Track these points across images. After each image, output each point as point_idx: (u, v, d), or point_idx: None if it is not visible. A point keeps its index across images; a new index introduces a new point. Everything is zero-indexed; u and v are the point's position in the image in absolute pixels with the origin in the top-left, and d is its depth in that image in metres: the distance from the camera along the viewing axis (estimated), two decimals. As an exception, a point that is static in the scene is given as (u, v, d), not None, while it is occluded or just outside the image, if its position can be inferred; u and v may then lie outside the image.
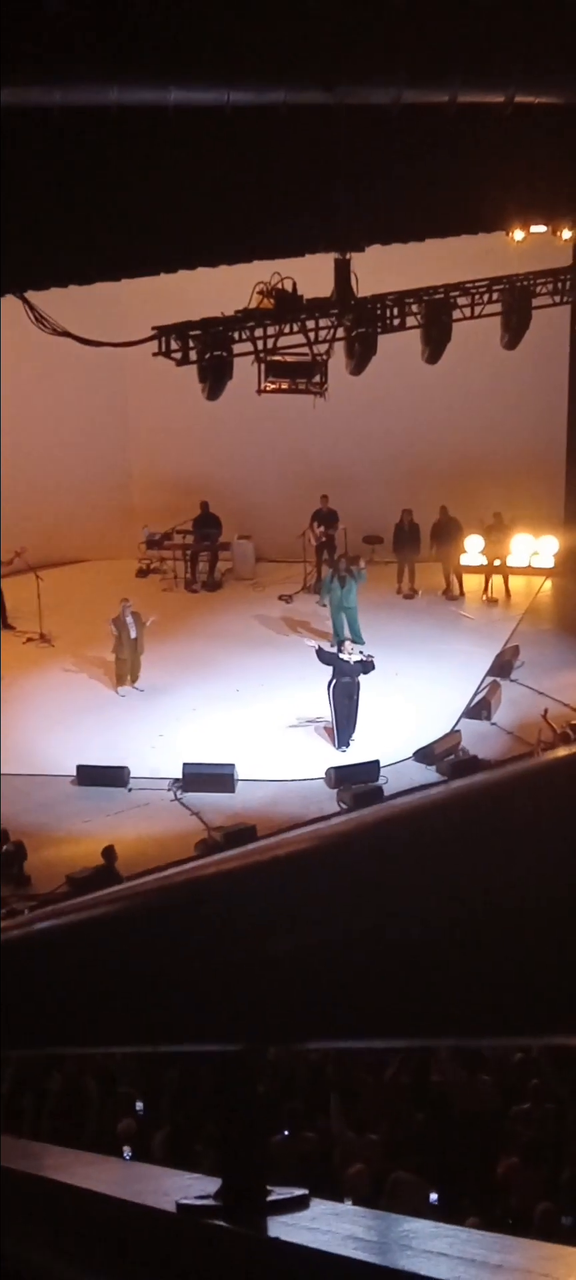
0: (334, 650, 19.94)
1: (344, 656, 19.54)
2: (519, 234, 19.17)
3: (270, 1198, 1.98)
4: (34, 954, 2.12)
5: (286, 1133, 9.25)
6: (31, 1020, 2.18)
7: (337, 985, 1.58)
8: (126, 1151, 9.76)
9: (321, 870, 1.62)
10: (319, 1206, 1.96)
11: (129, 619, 21.49)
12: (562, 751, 1.46)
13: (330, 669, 19.37)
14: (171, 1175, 2.40)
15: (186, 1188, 2.12)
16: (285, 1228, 1.89)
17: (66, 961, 2.03)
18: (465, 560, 26.04)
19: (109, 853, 15.82)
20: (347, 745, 19.24)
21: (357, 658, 19.54)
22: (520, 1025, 1.48)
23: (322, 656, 19.50)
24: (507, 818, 1.42)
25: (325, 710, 19.53)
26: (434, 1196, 8.25)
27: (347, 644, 20.19)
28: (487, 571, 25.90)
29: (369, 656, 19.66)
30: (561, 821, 1.35)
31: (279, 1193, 1.99)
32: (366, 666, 19.47)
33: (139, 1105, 10.35)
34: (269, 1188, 2.00)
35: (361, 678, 19.44)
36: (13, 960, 2.12)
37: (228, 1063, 2.04)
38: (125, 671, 21.48)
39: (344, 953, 1.56)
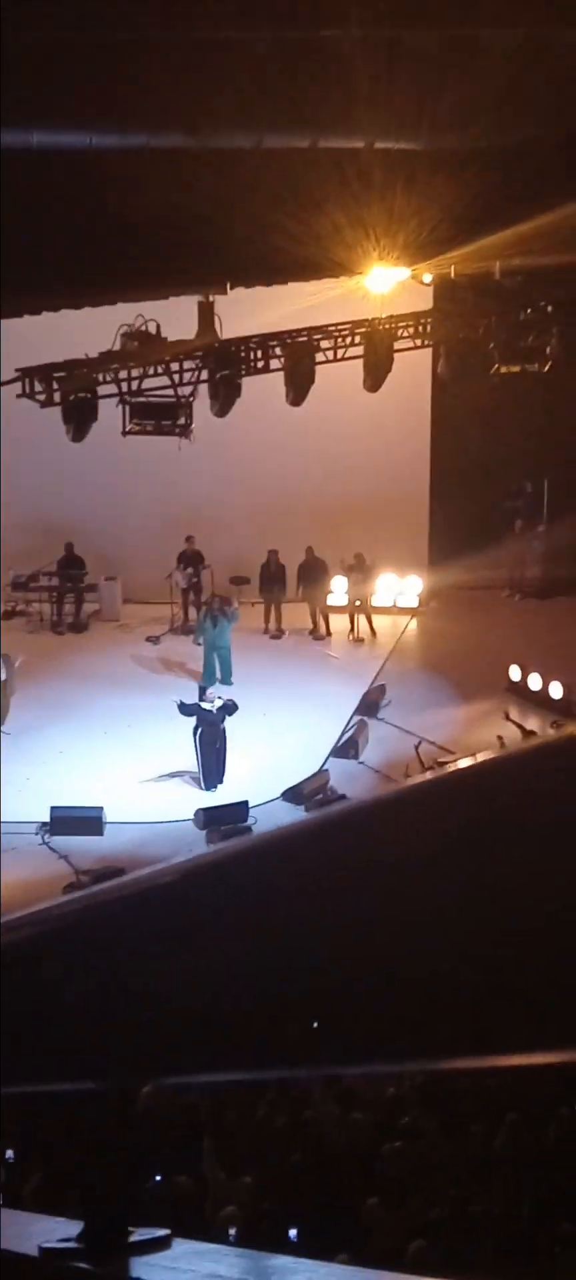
0: (195, 701, 19.93)
1: (206, 706, 19.57)
2: (381, 279, 19.44)
3: (132, 1238, 1.98)
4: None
5: (158, 1178, 9.17)
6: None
7: (212, 1019, 1.59)
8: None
9: (197, 901, 1.62)
10: (181, 1246, 1.96)
11: (-1, 660, 21.28)
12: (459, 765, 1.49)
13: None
14: (36, 1220, 2.38)
15: (49, 1231, 2.11)
16: (147, 1268, 1.89)
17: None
18: (331, 600, 26.27)
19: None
20: (215, 788, 19.24)
21: (219, 704, 19.56)
22: (394, 1053, 1.50)
23: (184, 709, 19.48)
24: (376, 843, 1.44)
25: (192, 752, 19.49)
26: (293, 1233, 8.24)
27: (210, 691, 20.21)
28: (352, 611, 26.15)
29: (229, 700, 19.68)
30: (452, 836, 1.38)
31: (141, 1233, 1.99)
32: (228, 709, 19.49)
33: (9, 1153, 10.18)
34: (131, 1229, 2.00)
35: (228, 721, 19.47)
36: None
37: (92, 1102, 2.03)
38: (-9, 713, 21.23)
39: (219, 986, 1.56)
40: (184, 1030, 1.66)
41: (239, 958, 1.56)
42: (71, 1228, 2.08)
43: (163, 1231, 2.00)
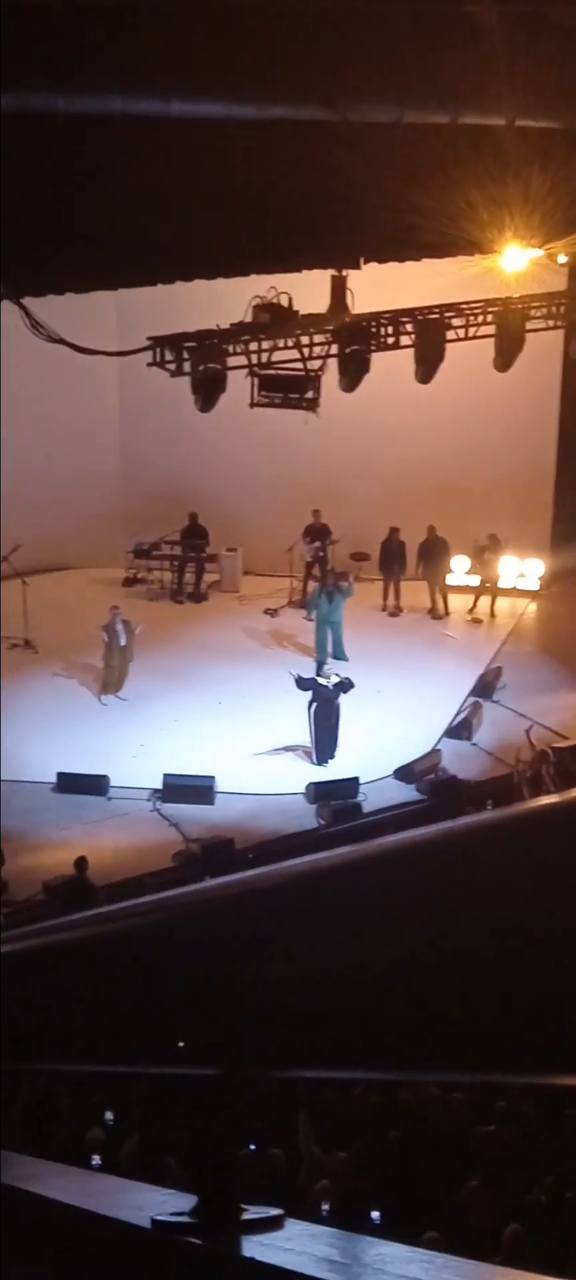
0: (312, 676, 19.94)
1: (322, 681, 19.57)
2: (515, 258, 19.20)
3: (245, 1216, 1.97)
4: (15, 972, 2.10)
5: (252, 1147, 9.23)
6: (11, 1036, 2.17)
7: (324, 1016, 1.57)
8: (95, 1160, 9.75)
9: (311, 902, 1.61)
10: (294, 1227, 1.95)
11: (119, 626, 21.48)
12: (555, 799, 1.46)
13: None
14: (144, 1190, 2.38)
15: (161, 1204, 2.11)
16: (260, 1248, 1.88)
17: (50, 981, 2.01)
18: (451, 580, 26.11)
19: (80, 863, 15.74)
20: (327, 763, 19.26)
21: (335, 680, 19.54)
22: (506, 1065, 1.48)
23: (301, 684, 19.51)
24: (498, 859, 1.42)
25: (306, 726, 19.52)
26: (375, 1215, 8.24)
27: (327, 667, 20.19)
28: (480, 592, 25.97)
29: (346, 677, 19.65)
30: (554, 864, 1.36)
31: (253, 1212, 1.97)
32: (344, 687, 19.47)
33: (109, 1115, 10.32)
34: (243, 1206, 2.00)
35: (342, 696, 19.46)
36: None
37: (207, 1084, 2.03)
38: (112, 679, 21.46)
39: (331, 984, 1.55)
40: (293, 1025, 1.65)
41: (354, 960, 1.55)
42: (183, 1201, 2.07)
43: (275, 1211, 1.98)
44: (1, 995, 2.11)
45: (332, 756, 19.46)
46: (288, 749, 19.78)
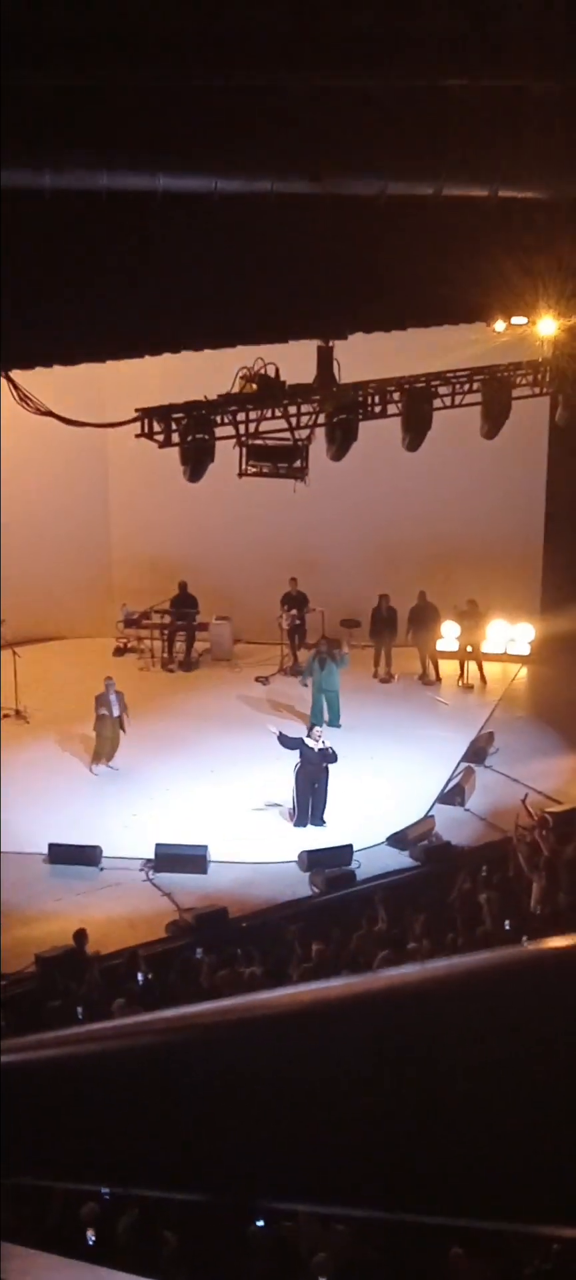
0: (297, 735, 19.94)
1: (309, 743, 19.57)
2: (500, 326, 19.39)
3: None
4: (25, 1085, 2.06)
5: (260, 1223, 9.15)
6: (19, 1151, 2.13)
7: (337, 1152, 1.55)
8: (90, 1236, 9.65)
9: (315, 1031, 1.59)
10: None
11: (112, 697, 21.50)
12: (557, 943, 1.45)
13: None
14: None
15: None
16: None
17: (60, 1095, 1.97)
18: (441, 645, 26.17)
19: (79, 936, 15.67)
20: (305, 825, 19.24)
21: (321, 747, 19.55)
22: (522, 1213, 1.47)
23: (284, 741, 19.55)
24: (507, 999, 1.42)
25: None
26: None
27: (315, 731, 20.20)
28: (462, 658, 26.04)
29: (330, 749, 19.64)
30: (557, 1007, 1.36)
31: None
32: (330, 757, 19.47)
33: (104, 1190, 10.20)
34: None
35: (333, 765, 19.48)
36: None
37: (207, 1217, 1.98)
38: (104, 750, 21.45)
39: (345, 1119, 1.54)
40: (283, 1156, 1.63)
41: (350, 1094, 1.53)
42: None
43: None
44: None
45: (322, 823, 19.44)
46: (282, 804, 19.76)
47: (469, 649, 26.06)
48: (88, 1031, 2.09)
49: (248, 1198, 2.08)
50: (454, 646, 26.21)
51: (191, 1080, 1.71)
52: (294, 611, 26.11)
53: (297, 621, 26.12)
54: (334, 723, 22.33)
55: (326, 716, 22.55)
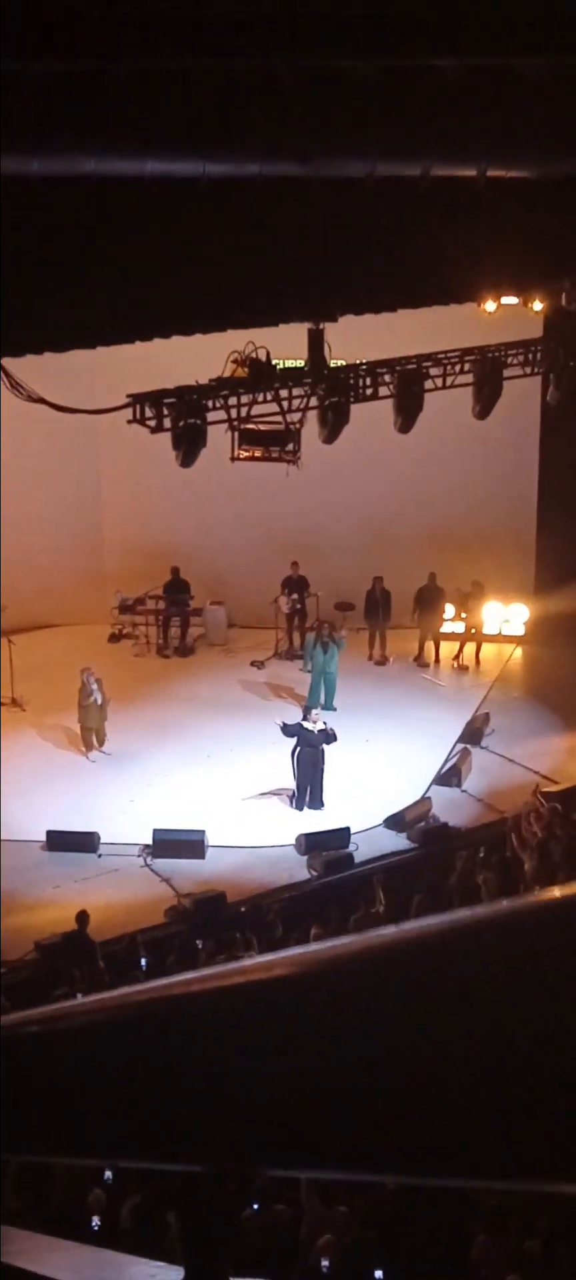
0: (298, 722, 19.97)
1: (308, 726, 19.60)
2: (491, 305, 19.39)
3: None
4: (15, 1058, 2.05)
5: (256, 1206, 9.16)
6: (18, 1123, 2.13)
7: (329, 1113, 1.55)
8: (95, 1221, 9.68)
9: (315, 994, 1.59)
10: None
11: (93, 685, 21.49)
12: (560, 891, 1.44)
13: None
14: (134, 1263, 2.36)
15: (149, 1277, 2.08)
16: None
17: (49, 1069, 1.95)
18: (445, 628, 26.15)
19: (82, 917, 15.70)
20: (305, 809, 19.32)
21: (321, 728, 19.58)
22: (512, 1170, 1.47)
23: (287, 730, 19.57)
24: (507, 952, 1.41)
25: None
26: (379, 1274, 8.17)
27: (314, 713, 20.21)
28: (465, 638, 26.03)
29: (331, 729, 19.68)
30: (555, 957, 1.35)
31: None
32: (329, 737, 19.51)
33: (107, 1174, 10.22)
34: (233, 1279, 1.96)
35: (330, 747, 19.49)
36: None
37: (201, 1183, 1.98)
38: (91, 738, 21.48)
39: (334, 1081, 1.53)
40: (287, 1122, 1.63)
41: (352, 1056, 1.53)
42: (171, 1273, 2.04)
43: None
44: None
45: (321, 805, 19.47)
46: (274, 793, 19.78)
47: (473, 630, 26.07)
48: (86, 1004, 2.09)
49: (249, 1166, 2.07)
50: (459, 628, 26.17)
51: (191, 1048, 1.71)
52: (295, 595, 26.09)
53: (298, 606, 26.10)
54: (329, 705, 22.34)
55: (323, 699, 22.56)
